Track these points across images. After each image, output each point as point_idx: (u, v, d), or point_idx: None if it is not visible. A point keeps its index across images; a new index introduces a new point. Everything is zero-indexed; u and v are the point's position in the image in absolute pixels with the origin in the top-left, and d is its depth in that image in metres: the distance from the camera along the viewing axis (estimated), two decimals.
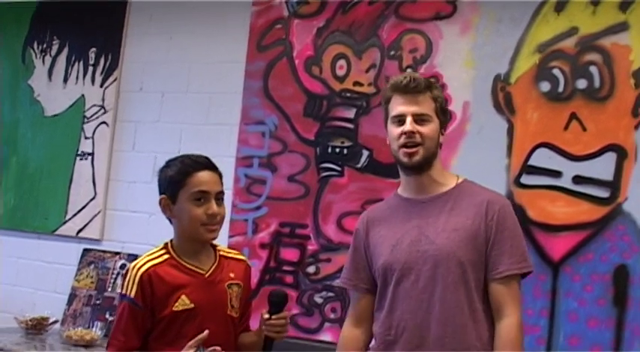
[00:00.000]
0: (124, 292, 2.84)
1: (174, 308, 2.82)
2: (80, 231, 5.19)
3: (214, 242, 3.02)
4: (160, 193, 2.92)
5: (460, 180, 2.94)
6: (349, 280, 3.09)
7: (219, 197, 2.91)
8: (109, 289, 4.91)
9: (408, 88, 2.86)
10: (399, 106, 2.86)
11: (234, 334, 2.98)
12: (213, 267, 2.95)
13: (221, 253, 3.03)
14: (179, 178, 2.86)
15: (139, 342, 2.84)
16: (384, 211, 3.02)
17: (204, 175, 2.88)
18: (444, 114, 2.91)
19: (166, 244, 2.94)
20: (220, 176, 2.96)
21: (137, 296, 2.80)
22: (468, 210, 2.83)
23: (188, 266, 2.89)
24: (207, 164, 2.92)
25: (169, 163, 2.94)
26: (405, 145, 2.83)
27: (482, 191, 2.91)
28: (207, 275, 2.92)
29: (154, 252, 2.91)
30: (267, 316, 2.88)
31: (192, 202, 2.84)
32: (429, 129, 2.83)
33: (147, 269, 2.83)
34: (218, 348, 2.73)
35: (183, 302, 2.83)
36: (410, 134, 2.82)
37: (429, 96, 2.86)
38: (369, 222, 3.03)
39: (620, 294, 3.71)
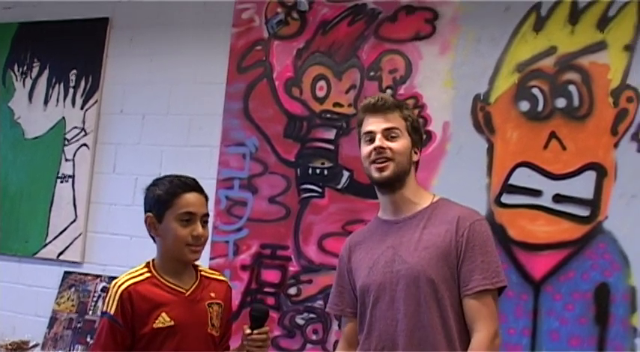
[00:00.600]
0: (104, 309, 2.89)
1: (155, 326, 2.85)
2: (61, 253, 5.15)
3: (196, 264, 3.06)
4: (146, 211, 2.96)
5: (436, 199, 2.94)
6: (336, 305, 3.09)
7: (205, 219, 2.96)
8: (90, 312, 4.87)
9: (376, 107, 2.90)
10: (369, 125, 2.90)
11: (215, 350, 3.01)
12: (194, 286, 2.99)
13: (202, 273, 3.07)
14: (167, 198, 2.90)
15: None
16: (365, 234, 3.03)
17: (191, 197, 2.92)
18: (415, 133, 2.91)
19: (148, 263, 2.98)
20: (206, 198, 3.01)
21: (117, 313, 2.84)
22: (439, 227, 2.82)
23: (169, 284, 2.93)
24: (194, 186, 2.97)
25: (157, 182, 2.98)
26: (375, 161, 2.86)
27: (455, 208, 2.89)
28: (187, 293, 2.96)
29: (136, 271, 2.95)
30: (248, 331, 2.93)
31: (179, 222, 2.89)
32: (399, 144, 2.85)
33: (127, 287, 2.87)
34: None
35: (163, 320, 2.86)
36: (379, 149, 2.85)
37: (398, 115, 2.88)
38: (351, 247, 3.04)
39: (601, 312, 3.71)
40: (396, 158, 2.85)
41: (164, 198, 2.91)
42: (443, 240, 2.78)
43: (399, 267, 2.80)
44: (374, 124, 2.89)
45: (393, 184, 2.88)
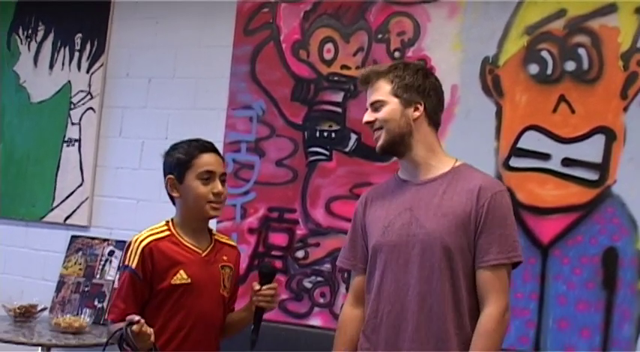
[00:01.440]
0: (125, 263, 3.02)
1: (173, 282, 2.99)
2: (68, 217, 5.17)
3: (210, 227, 3.20)
4: (166, 174, 3.10)
5: (457, 164, 2.88)
6: (347, 260, 3.07)
7: (223, 178, 3.11)
8: (98, 276, 4.88)
9: (362, 84, 2.94)
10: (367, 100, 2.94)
11: (224, 312, 3.13)
12: (210, 248, 3.12)
13: (216, 237, 3.21)
14: (187, 159, 3.05)
15: (137, 311, 2.92)
16: (383, 191, 3.00)
17: (210, 157, 3.08)
18: (407, 91, 2.84)
19: (168, 222, 3.12)
20: (223, 160, 3.18)
21: (138, 267, 2.97)
22: (460, 195, 2.77)
23: (187, 244, 3.07)
24: (212, 147, 3.13)
25: (175, 146, 3.13)
26: (374, 134, 2.90)
27: (477, 175, 2.84)
28: (204, 254, 3.09)
29: (157, 228, 3.09)
30: (257, 287, 3.01)
31: (200, 181, 3.04)
32: (383, 112, 2.83)
33: (148, 243, 3.00)
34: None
35: (181, 277, 2.99)
36: (368, 123, 2.89)
37: (383, 82, 2.85)
38: (367, 202, 3.02)
39: (609, 277, 3.72)
40: (384, 126, 2.84)
41: (184, 160, 3.05)
42: (463, 209, 2.74)
43: (416, 231, 2.78)
44: (367, 100, 2.92)
45: (394, 150, 2.87)
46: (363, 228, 3.00)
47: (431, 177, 2.85)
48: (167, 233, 3.06)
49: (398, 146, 2.85)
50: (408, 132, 2.84)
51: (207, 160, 3.06)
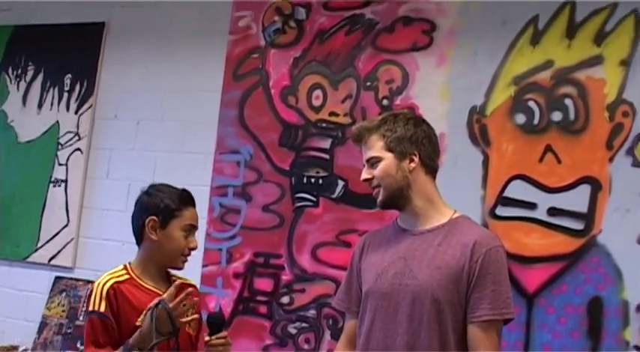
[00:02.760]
0: (91, 308, 2.98)
1: (138, 323, 2.93)
2: (52, 258, 5.15)
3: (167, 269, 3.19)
4: (148, 215, 3.05)
5: (455, 215, 2.89)
6: (342, 302, 3.08)
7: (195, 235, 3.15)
8: (81, 317, 4.85)
9: (355, 141, 2.97)
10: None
11: (193, 350, 3.13)
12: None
13: (173, 278, 3.17)
14: (177, 207, 3.06)
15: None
16: (380, 237, 3.00)
17: (194, 211, 3.13)
18: (400, 144, 2.86)
19: (125, 266, 3.10)
20: None
21: (106, 309, 2.95)
22: (454, 249, 2.77)
23: (147, 286, 3.05)
24: (194, 203, 3.16)
25: (159, 189, 3.12)
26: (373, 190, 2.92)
27: (474, 230, 2.86)
28: (165, 296, 3.00)
29: (115, 272, 3.07)
30: (207, 338, 2.98)
31: (183, 232, 3.06)
32: (379, 169, 2.85)
33: (112, 285, 2.98)
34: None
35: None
36: (365, 181, 2.91)
37: (375, 138, 2.88)
38: (365, 246, 3.03)
39: (594, 326, 3.71)
40: (381, 183, 2.86)
41: (174, 207, 3.06)
42: (457, 263, 2.74)
43: (407, 281, 2.79)
44: (363, 156, 2.94)
45: (394, 204, 2.89)
46: (358, 272, 3.01)
47: (428, 227, 2.86)
48: (127, 276, 3.04)
49: (397, 200, 2.87)
50: (406, 185, 2.86)
51: (193, 214, 3.11)
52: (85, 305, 4.86)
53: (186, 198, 3.11)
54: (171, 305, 2.83)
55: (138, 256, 3.13)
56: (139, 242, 3.13)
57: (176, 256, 3.07)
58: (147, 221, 3.05)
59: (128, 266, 3.09)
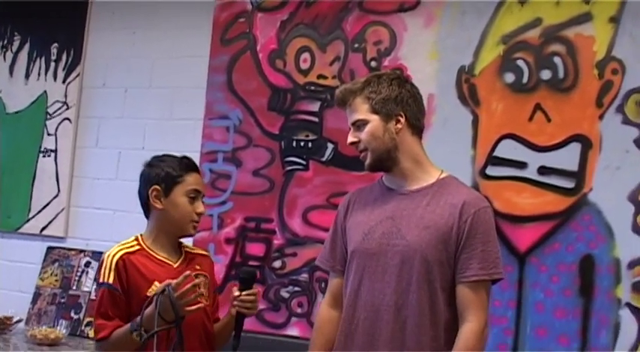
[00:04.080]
0: (101, 280, 3.00)
1: (148, 293, 2.93)
2: (44, 228, 5.14)
3: (180, 240, 3.20)
4: (151, 185, 3.07)
5: (443, 175, 2.88)
6: (327, 261, 3.07)
7: (203, 199, 3.15)
8: (74, 287, 4.85)
9: (339, 105, 2.96)
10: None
11: (207, 320, 3.11)
12: (181, 260, 3.12)
13: (186, 249, 3.20)
14: (179, 174, 3.08)
15: (124, 324, 2.94)
16: (366, 196, 3.00)
17: (198, 177, 3.15)
18: (385, 105, 2.84)
19: (137, 237, 3.11)
20: None
21: (115, 281, 2.97)
22: (443, 209, 2.77)
23: (159, 257, 3.07)
24: (198, 168, 3.20)
25: (163, 158, 3.15)
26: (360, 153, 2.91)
27: (462, 190, 2.86)
28: (176, 266, 3.08)
29: (127, 243, 3.09)
30: (237, 293, 2.99)
31: (187, 198, 3.07)
32: (365, 132, 2.84)
33: (121, 256, 3.00)
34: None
35: (156, 288, 2.92)
36: (352, 144, 2.90)
37: (360, 100, 2.86)
38: (350, 205, 3.02)
39: (586, 284, 3.72)
40: (368, 146, 2.85)
41: (175, 174, 3.07)
42: (445, 223, 2.74)
43: (396, 241, 2.79)
44: (348, 119, 2.92)
45: (382, 166, 2.88)
46: (343, 230, 3.00)
47: (416, 187, 2.86)
48: (137, 247, 3.06)
49: (385, 162, 2.86)
50: (393, 146, 2.84)
51: (196, 179, 3.11)
52: (78, 274, 4.86)
53: (187, 164, 3.13)
54: (176, 293, 2.80)
55: (148, 227, 3.14)
56: (147, 214, 3.15)
57: (184, 222, 3.07)
58: (150, 191, 3.07)
59: (140, 237, 3.11)
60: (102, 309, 2.97)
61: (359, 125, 2.86)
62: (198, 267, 3.11)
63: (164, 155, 3.17)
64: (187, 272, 2.88)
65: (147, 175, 3.12)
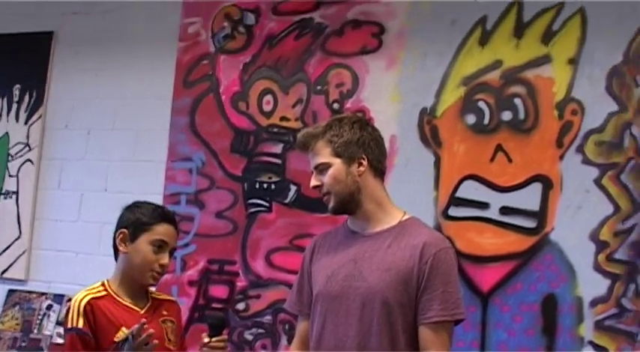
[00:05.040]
0: (70, 325, 2.97)
1: (115, 339, 2.92)
2: (5, 271, 5.08)
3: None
4: (120, 227, 3.09)
5: (405, 218, 2.89)
6: (294, 305, 3.08)
7: (172, 252, 3.13)
8: (35, 331, 4.80)
9: (301, 149, 2.96)
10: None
11: None
12: (147, 306, 3.11)
13: (153, 295, 3.19)
14: (148, 222, 3.06)
15: None
16: (331, 239, 3.00)
17: (169, 228, 3.10)
18: (347, 149, 2.85)
19: (103, 283, 3.09)
20: (178, 234, 3.19)
21: (85, 325, 2.94)
22: (404, 251, 2.78)
23: (125, 303, 3.05)
24: (173, 220, 3.16)
25: (140, 204, 3.14)
26: (322, 197, 2.91)
27: (423, 231, 2.86)
28: (142, 312, 3.06)
29: (93, 288, 3.06)
30: (207, 340, 2.95)
31: (151, 247, 3.04)
32: (328, 176, 2.85)
33: (88, 301, 2.99)
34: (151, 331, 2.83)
35: (123, 333, 2.91)
36: (315, 188, 2.91)
37: (322, 144, 2.87)
38: (316, 248, 3.03)
39: (549, 323, 3.73)
40: (331, 190, 2.86)
41: (144, 221, 3.05)
42: (406, 265, 2.74)
43: (357, 284, 2.78)
44: (311, 163, 2.93)
45: (345, 209, 2.89)
46: (309, 274, 3.01)
47: (378, 230, 2.87)
48: (104, 293, 3.04)
49: (348, 205, 2.87)
50: (356, 189, 2.85)
51: (165, 230, 3.07)
52: (39, 318, 4.81)
53: (160, 214, 3.11)
54: (134, 343, 2.79)
55: (115, 271, 3.13)
56: (116, 257, 3.14)
57: (144, 271, 3.04)
58: (118, 233, 3.07)
59: (106, 282, 3.09)
60: None
61: (321, 169, 2.86)
62: (165, 313, 3.10)
63: (144, 202, 3.17)
64: (143, 320, 2.85)
65: (120, 218, 3.13)
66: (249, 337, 4.31)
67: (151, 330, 2.83)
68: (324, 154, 2.86)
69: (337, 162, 2.84)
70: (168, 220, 3.11)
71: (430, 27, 4.11)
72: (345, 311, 2.80)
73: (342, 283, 2.82)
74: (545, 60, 3.87)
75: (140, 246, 3.04)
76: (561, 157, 3.79)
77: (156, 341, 2.90)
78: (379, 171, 2.92)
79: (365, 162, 2.87)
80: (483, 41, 4.00)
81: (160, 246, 3.04)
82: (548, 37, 3.87)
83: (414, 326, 2.75)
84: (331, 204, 2.88)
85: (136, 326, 2.82)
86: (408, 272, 2.74)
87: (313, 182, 2.90)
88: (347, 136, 2.86)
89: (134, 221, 3.06)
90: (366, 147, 2.88)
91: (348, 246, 2.89)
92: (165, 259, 3.06)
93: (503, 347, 3.79)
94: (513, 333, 3.78)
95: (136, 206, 3.13)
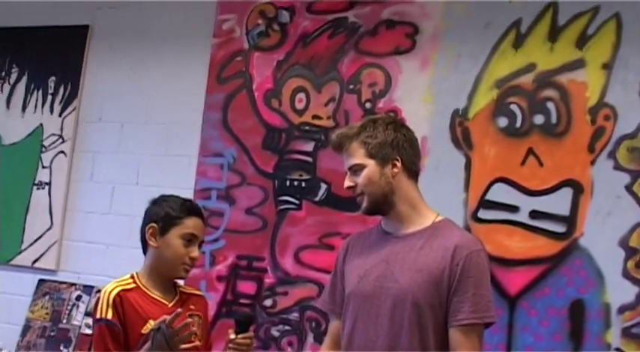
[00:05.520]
0: (98, 316, 3.00)
1: (143, 331, 2.95)
2: (36, 261, 5.13)
3: (175, 280, 3.22)
4: (149, 222, 3.11)
5: (438, 219, 2.90)
6: (327, 303, 3.10)
7: (200, 244, 3.16)
8: (64, 321, 4.84)
9: (335, 149, 2.97)
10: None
11: None
12: (175, 300, 3.13)
13: (181, 289, 3.22)
14: (177, 215, 3.09)
15: None
16: (365, 240, 3.02)
17: (198, 221, 3.14)
18: (382, 150, 2.86)
19: (132, 275, 3.12)
20: (205, 226, 3.22)
21: (113, 316, 2.97)
22: (436, 252, 2.78)
23: (154, 296, 3.08)
24: (201, 213, 3.20)
25: (167, 198, 3.17)
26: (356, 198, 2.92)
27: (456, 233, 2.86)
28: (170, 305, 3.08)
29: (123, 280, 3.10)
30: (233, 336, 2.98)
31: (182, 241, 3.08)
32: (362, 177, 2.86)
33: (118, 293, 3.01)
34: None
35: (150, 327, 2.93)
36: (349, 189, 2.91)
37: (356, 145, 2.88)
38: (349, 249, 3.04)
39: (576, 329, 3.72)
40: (365, 191, 2.87)
41: (174, 215, 3.09)
42: (437, 267, 2.75)
43: (389, 285, 2.79)
44: (345, 164, 2.94)
45: (378, 210, 2.90)
46: (342, 273, 3.02)
47: (411, 231, 2.87)
48: (133, 285, 3.07)
49: (381, 206, 2.88)
50: (390, 190, 2.86)
51: (194, 224, 3.10)
52: (69, 308, 4.85)
53: (189, 208, 3.14)
54: (169, 331, 2.82)
55: (143, 265, 3.16)
56: (145, 251, 3.17)
57: (175, 265, 3.08)
58: (147, 228, 3.10)
59: (135, 275, 3.13)
60: (102, 345, 2.98)
61: (355, 170, 2.87)
62: (192, 307, 3.13)
63: (171, 195, 3.20)
64: (179, 310, 2.89)
65: (148, 212, 3.16)
66: (276, 333, 4.33)
67: (189, 320, 2.88)
68: (358, 155, 2.87)
69: (371, 164, 2.85)
70: (197, 213, 3.15)
71: (464, 28, 4.10)
72: (376, 311, 2.81)
73: (374, 283, 2.83)
74: (578, 64, 3.85)
75: (170, 240, 3.07)
76: (593, 162, 3.77)
77: (194, 328, 2.96)
78: (413, 173, 2.93)
79: (399, 164, 2.87)
80: (517, 44, 3.98)
81: (189, 239, 3.08)
82: (582, 41, 3.85)
83: (445, 328, 2.76)
84: (364, 205, 2.89)
85: (165, 316, 2.85)
86: (440, 273, 2.74)
87: (347, 183, 2.91)
88: (381, 137, 2.87)
89: (163, 215, 3.09)
90: (400, 148, 2.89)
91: (381, 247, 2.90)
92: (195, 252, 3.09)
93: (530, 351, 3.78)
94: (540, 337, 3.78)
95: (163, 200, 3.16)
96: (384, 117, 3.12)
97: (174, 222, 3.08)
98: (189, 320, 2.89)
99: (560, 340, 3.74)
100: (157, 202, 3.17)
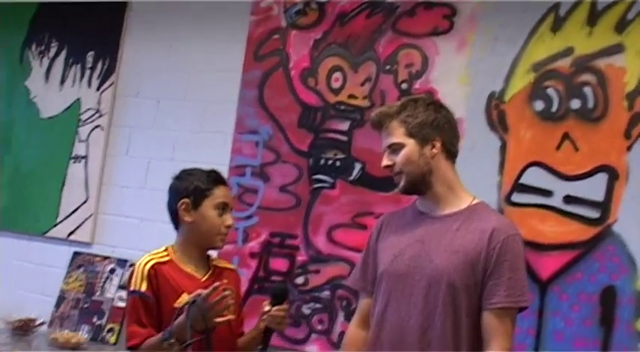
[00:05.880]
0: (132, 288, 3.07)
1: (176, 305, 3.00)
2: (71, 233, 5.19)
3: (208, 254, 3.28)
4: (180, 198, 3.15)
5: (474, 202, 2.92)
6: (358, 281, 3.12)
7: (231, 212, 3.25)
8: (98, 293, 4.90)
9: (375, 127, 2.97)
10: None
11: (232, 334, 3.18)
12: (209, 274, 3.19)
13: (214, 263, 3.27)
14: (207, 187, 3.17)
15: (156, 333, 3.00)
16: (399, 219, 3.03)
17: (226, 189, 3.24)
18: (422, 130, 2.87)
19: (167, 248, 3.19)
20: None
21: (147, 289, 3.04)
22: (473, 234, 2.80)
23: (187, 270, 3.13)
24: (225, 181, 3.29)
25: (191, 172, 3.23)
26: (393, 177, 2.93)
27: (493, 217, 2.88)
28: (203, 279, 3.14)
29: (158, 252, 3.16)
30: (267, 308, 3.03)
31: (216, 211, 3.16)
32: (401, 156, 2.87)
33: (153, 265, 3.08)
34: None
35: (184, 299, 2.99)
36: (386, 167, 2.92)
37: (396, 124, 2.88)
38: (383, 227, 3.06)
39: (607, 315, 3.70)
40: (403, 170, 2.88)
41: (204, 187, 3.16)
42: (474, 249, 2.76)
43: (424, 264, 2.81)
44: (382, 141, 2.95)
45: (416, 190, 2.92)
46: (374, 252, 3.03)
47: (447, 212, 2.89)
48: (167, 258, 3.12)
49: (419, 185, 2.89)
50: (428, 171, 2.88)
51: (224, 192, 3.19)
52: (102, 281, 4.90)
53: (215, 178, 3.21)
54: (206, 304, 2.86)
55: (177, 240, 3.21)
56: (176, 226, 3.21)
57: (213, 235, 3.15)
58: (179, 204, 3.14)
59: (170, 248, 3.18)
60: (135, 316, 3.03)
61: (394, 148, 2.88)
62: (225, 281, 3.11)
63: (193, 169, 3.24)
64: (217, 283, 2.92)
65: (176, 188, 3.19)
66: (307, 311, 4.35)
67: (227, 292, 2.91)
68: (397, 134, 2.88)
69: (410, 143, 2.86)
70: (223, 182, 3.24)
71: (502, 11, 4.08)
72: (409, 290, 2.83)
73: (409, 263, 2.84)
74: (617, 49, 3.81)
75: (205, 212, 3.13)
76: (629, 148, 3.74)
77: (232, 301, 2.96)
78: (451, 154, 2.94)
79: (438, 144, 2.88)
80: (555, 27, 3.95)
81: (223, 208, 3.16)
82: (621, 26, 3.81)
83: (478, 310, 2.77)
84: (402, 184, 2.89)
85: (200, 290, 2.89)
86: (476, 256, 2.76)
87: (385, 161, 2.92)
88: (421, 117, 2.88)
89: (193, 189, 3.14)
90: (440, 129, 2.89)
91: (416, 227, 2.91)
92: (229, 220, 3.17)
93: (560, 336, 3.77)
94: (570, 322, 3.76)
95: (188, 174, 3.21)
96: (425, 97, 3.12)
97: (205, 193, 3.14)
98: (227, 292, 2.91)
99: (590, 326, 3.73)
100: (181, 177, 3.22)
